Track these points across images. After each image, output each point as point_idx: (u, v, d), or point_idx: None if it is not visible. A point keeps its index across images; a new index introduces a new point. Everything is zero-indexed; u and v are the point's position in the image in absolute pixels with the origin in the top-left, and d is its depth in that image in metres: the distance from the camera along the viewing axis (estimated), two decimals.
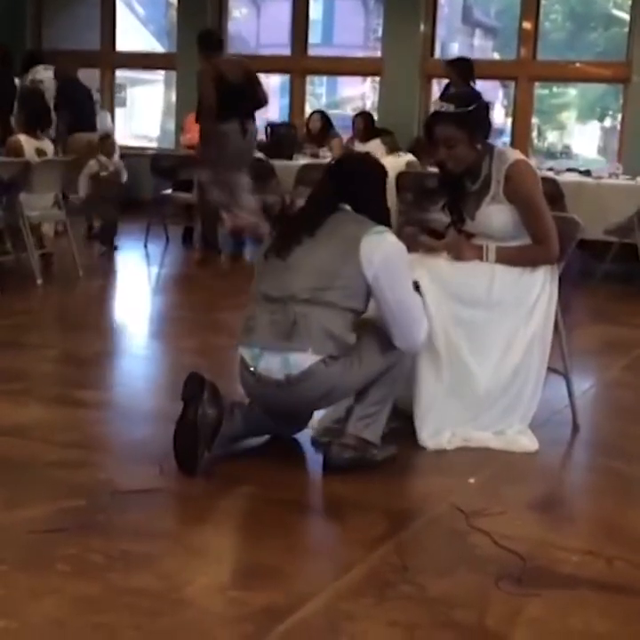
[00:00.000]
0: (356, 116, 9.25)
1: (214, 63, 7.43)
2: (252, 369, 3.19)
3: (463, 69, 8.33)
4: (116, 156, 9.08)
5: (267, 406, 3.33)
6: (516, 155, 3.68)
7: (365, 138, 8.70)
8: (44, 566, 2.48)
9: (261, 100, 7.62)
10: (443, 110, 3.57)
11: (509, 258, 3.63)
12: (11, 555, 2.56)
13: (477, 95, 3.71)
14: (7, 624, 2.20)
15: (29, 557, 2.55)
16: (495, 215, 3.62)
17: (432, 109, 3.66)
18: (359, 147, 8.69)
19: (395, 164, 7.95)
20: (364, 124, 8.87)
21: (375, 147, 8.42)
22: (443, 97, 3.65)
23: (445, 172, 3.72)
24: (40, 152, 6.63)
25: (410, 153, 8.28)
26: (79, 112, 8.80)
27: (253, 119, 7.63)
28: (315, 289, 3.14)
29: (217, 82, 7.28)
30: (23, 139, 6.58)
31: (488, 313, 3.56)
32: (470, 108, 3.56)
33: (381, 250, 3.16)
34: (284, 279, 3.20)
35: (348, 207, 3.28)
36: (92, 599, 2.33)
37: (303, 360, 3.10)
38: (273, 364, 3.14)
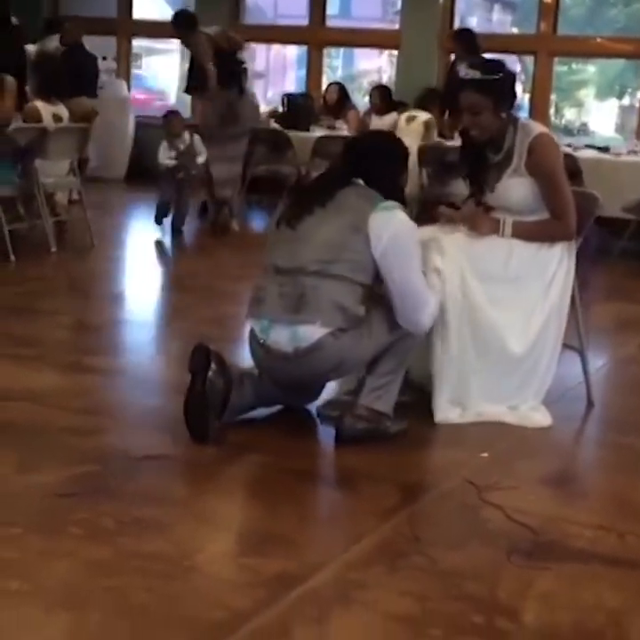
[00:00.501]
0: (373, 89, 9.18)
1: (207, 36, 7.56)
2: (261, 341, 3.18)
3: (467, 41, 8.26)
4: (186, 135, 7.66)
5: (276, 378, 3.32)
6: (540, 128, 3.64)
7: (382, 111, 8.64)
8: (56, 530, 2.49)
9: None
10: (469, 77, 3.54)
11: (526, 232, 3.60)
12: (24, 518, 2.57)
13: (503, 64, 3.67)
14: (20, 586, 2.21)
15: (42, 521, 2.56)
16: (515, 188, 3.59)
17: (460, 74, 3.60)
18: (376, 120, 8.64)
19: (413, 131, 7.90)
20: (381, 98, 8.80)
21: (392, 120, 8.38)
22: (470, 64, 3.60)
23: (468, 141, 3.69)
24: (57, 117, 6.62)
25: (422, 110, 8.18)
26: (81, 77, 8.75)
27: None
28: (323, 261, 3.13)
29: (216, 52, 7.51)
30: (40, 105, 6.56)
31: (505, 287, 3.53)
32: (497, 76, 3.53)
33: (391, 227, 3.15)
34: (294, 250, 3.19)
35: (361, 182, 3.26)
36: (103, 563, 2.34)
37: (312, 333, 3.09)
38: (282, 337, 3.13)
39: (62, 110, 6.77)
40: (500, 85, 3.54)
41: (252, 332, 3.24)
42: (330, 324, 3.09)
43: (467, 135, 3.68)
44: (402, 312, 3.21)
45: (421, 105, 8.28)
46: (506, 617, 2.22)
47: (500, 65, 3.63)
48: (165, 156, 7.44)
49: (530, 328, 3.55)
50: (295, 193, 3.43)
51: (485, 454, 3.22)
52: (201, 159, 7.66)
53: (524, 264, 3.58)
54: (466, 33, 8.56)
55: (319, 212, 3.20)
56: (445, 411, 3.47)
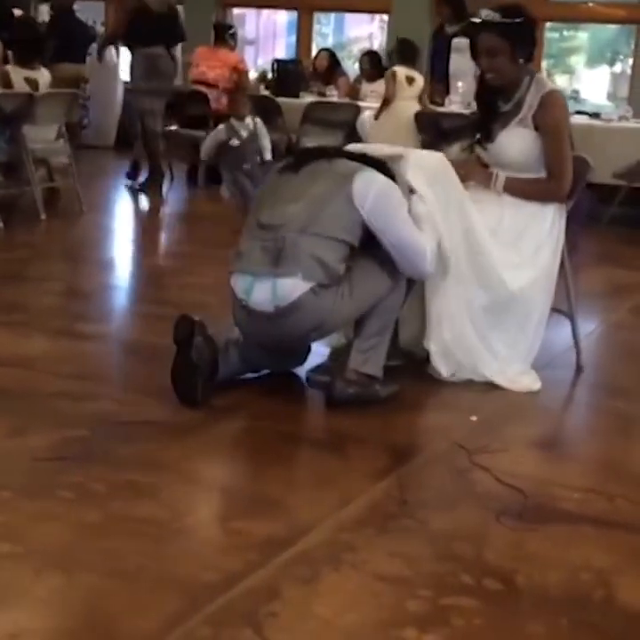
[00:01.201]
0: (363, 55, 9.11)
1: None
2: (243, 303, 3.18)
3: (456, 4, 8.19)
4: (249, 119, 6.70)
5: (260, 340, 3.31)
6: (555, 86, 3.65)
7: (372, 77, 8.58)
8: (46, 494, 2.49)
9: (179, 35, 8.22)
10: (488, 18, 3.52)
11: (519, 188, 3.60)
12: (14, 481, 2.57)
13: (524, 10, 3.64)
14: (11, 548, 2.21)
15: (32, 484, 2.56)
16: (516, 138, 3.58)
17: (479, 15, 3.59)
18: (365, 86, 8.58)
19: (414, 93, 7.85)
20: (371, 64, 8.74)
21: (381, 86, 8.31)
22: (491, 7, 3.59)
23: (483, 87, 3.70)
24: (30, 82, 6.55)
25: (413, 69, 8.11)
26: (69, 43, 8.67)
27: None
28: (306, 218, 3.13)
29: (140, 10, 7.84)
30: (11, 68, 6.55)
31: (497, 241, 3.53)
32: (517, 20, 3.52)
33: (374, 186, 3.17)
34: (278, 208, 3.21)
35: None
36: (94, 526, 2.34)
37: (292, 287, 3.08)
38: (263, 295, 3.12)
39: (40, 74, 6.68)
40: (518, 30, 3.53)
41: (234, 294, 3.23)
42: (310, 278, 3.08)
43: (482, 81, 3.69)
44: (402, 264, 3.24)
45: (405, 60, 8.16)
46: (495, 578, 2.23)
47: (520, 10, 3.60)
48: (212, 147, 6.37)
49: (521, 281, 3.55)
50: (287, 156, 3.47)
51: (475, 418, 3.23)
52: (267, 145, 6.72)
53: (515, 226, 3.57)
54: None
55: (304, 173, 3.23)
56: (439, 366, 3.48)
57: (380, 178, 3.21)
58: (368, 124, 7.80)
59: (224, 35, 8.63)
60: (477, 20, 3.59)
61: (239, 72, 8.52)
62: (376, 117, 7.77)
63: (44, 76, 6.74)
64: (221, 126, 6.09)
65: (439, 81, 8.28)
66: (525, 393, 3.51)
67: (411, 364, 3.57)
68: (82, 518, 2.37)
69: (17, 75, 6.52)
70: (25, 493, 2.49)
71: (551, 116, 3.58)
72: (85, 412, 3.08)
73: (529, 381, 3.57)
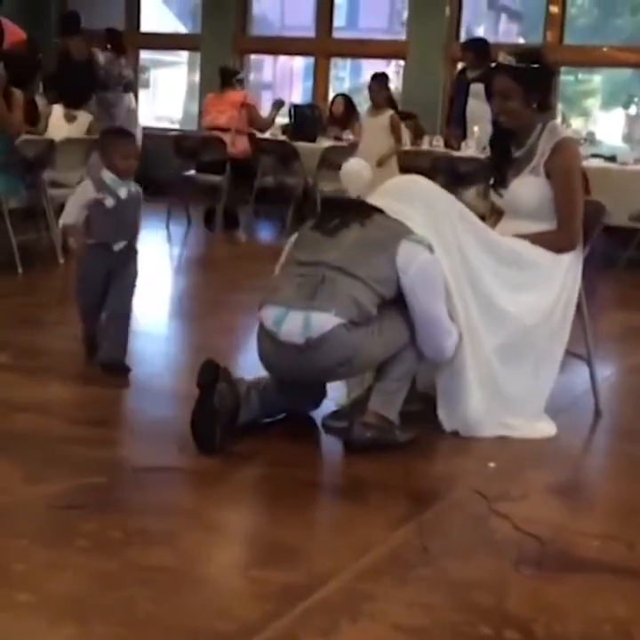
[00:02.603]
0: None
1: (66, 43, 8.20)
2: (272, 334, 3.18)
3: (480, 51, 8.26)
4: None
5: (285, 375, 3.31)
6: (567, 132, 3.69)
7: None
8: (62, 542, 2.48)
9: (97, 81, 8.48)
10: (504, 62, 3.57)
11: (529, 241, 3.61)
12: (30, 530, 2.57)
13: (542, 56, 3.67)
14: (28, 598, 2.20)
15: (48, 533, 2.56)
16: (528, 186, 3.60)
17: (497, 59, 3.65)
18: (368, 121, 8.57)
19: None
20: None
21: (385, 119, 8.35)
22: (509, 51, 3.64)
23: (497, 129, 3.74)
24: (69, 117, 7.37)
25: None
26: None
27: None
28: (347, 262, 3.20)
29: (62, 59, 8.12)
30: (56, 107, 7.32)
31: (522, 274, 3.54)
32: (532, 65, 3.55)
33: (419, 260, 3.22)
34: (321, 248, 3.28)
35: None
36: (110, 575, 2.33)
37: (325, 322, 3.09)
38: (295, 326, 3.12)
39: (82, 114, 7.50)
40: (533, 74, 3.56)
41: (261, 327, 3.24)
42: (343, 315, 3.10)
43: (496, 125, 3.73)
44: (422, 338, 3.29)
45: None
46: (514, 628, 2.20)
47: (539, 55, 3.63)
48: (78, 207, 4.02)
49: (533, 318, 3.54)
50: (332, 206, 3.54)
51: (493, 464, 3.21)
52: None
53: (539, 256, 3.58)
54: (478, 42, 8.58)
55: (354, 227, 3.29)
56: (456, 421, 3.46)
57: (426, 252, 3.25)
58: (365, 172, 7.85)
59: (231, 79, 8.72)
60: (497, 63, 3.64)
61: (247, 107, 8.59)
62: (380, 164, 7.86)
63: (84, 117, 7.46)
64: (86, 181, 4.10)
65: (457, 125, 8.33)
66: (543, 439, 3.49)
67: (428, 409, 3.55)
68: (97, 567, 2.36)
69: (57, 110, 7.26)
70: (41, 542, 2.49)
71: (562, 163, 3.59)
72: (102, 459, 3.08)
73: (544, 427, 3.55)
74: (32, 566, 2.35)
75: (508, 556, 2.54)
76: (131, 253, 4.07)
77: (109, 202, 3.94)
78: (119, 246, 3.99)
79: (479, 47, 8.32)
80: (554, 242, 3.61)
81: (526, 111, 3.58)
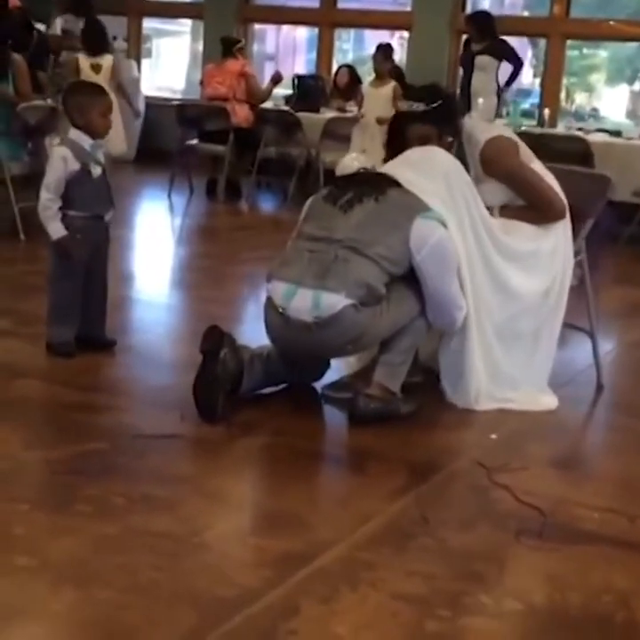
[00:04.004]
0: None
1: None
2: (280, 310, 3.16)
3: (483, 24, 8.23)
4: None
5: (291, 350, 3.31)
6: (484, 134, 3.59)
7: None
8: (64, 507, 2.48)
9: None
10: (412, 109, 3.52)
11: (516, 216, 3.58)
12: (31, 494, 2.57)
13: (440, 89, 3.65)
14: (28, 561, 2.20)
15: (50, 497, 2.56)
16: (486, 195, 3.53)
17: (398, 108, 3.61)
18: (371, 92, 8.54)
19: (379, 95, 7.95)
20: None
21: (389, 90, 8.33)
22: (405, 95, 3.61)
23: None
24: (95, 67, 8.16)
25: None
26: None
27: None
28: (359, 241, 3.17)
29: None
30: (80, 56, 8.25)
31: (511, 262, 3.51)
32: (439, 104, 3.51)
33: (433, 237, 3.19)
34: (334, 223, 3.24)
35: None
36: (112, 540, 2.33)
37: (334, 302, 3.08)
38: (304, 304, 3.11)
39: (103, 60, 8.29)
40: (442, 112, 3.52)
41: (269, 301, 3.22)
42: (353, 297, 3.09)
43: None
44: (434, 313, 3.29)
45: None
46: (515, 598, 2.21)
47: (437, 90, 3.61)
48: (60, 181, 3.63)
49: (533, 287, 3.53)
50: (347, 179, 3.50)
51: (494, 436, 3.22)
52: None
53: (527, 239, 3.56)
54: (482, 14, 8.55)
55: (368, 203, 3.25)
56: (459, 394, 3.45)
57: (440, 230, 3.22)
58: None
59: (231, 48, 8.66)
60: (404, 111, 3.57)
61: (246, 76, 8.54)
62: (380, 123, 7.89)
63: (107, 60, 8.32)
64: (62, 150, 3.62)
65: (461, 98, 8.29)
66: (545, 411, 3.49)
67: (430, 381, 3.55)
68: (99, 532, 2.36)
69: (85, 62, 8.23)
70: (42, 506, 2.49)
71: (499, 169, 3.56)
72: (103, 425, 3.08)
73: (546, 400, 3.55)
74: (33, 531, 2.35)
75: (508, 527, 2.54)
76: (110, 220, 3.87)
77: (96, 170, 3.67)
78: (110, 215, 3.83)
79: (483, 20, 8.29)
80: (542, 220, 3.58)
81: (445, 146, 3.53)
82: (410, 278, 3.25)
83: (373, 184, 3.34)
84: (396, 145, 3.58)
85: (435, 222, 3.23)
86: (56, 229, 3.66)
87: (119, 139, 8.15)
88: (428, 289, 3.25)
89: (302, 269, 3.17)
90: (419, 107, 3.52)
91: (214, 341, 3.16)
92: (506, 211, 3.58)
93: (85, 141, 3.64)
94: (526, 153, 3.63)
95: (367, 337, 3.21)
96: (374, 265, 3.15)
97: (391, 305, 3.20)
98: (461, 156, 3.56)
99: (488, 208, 3.52)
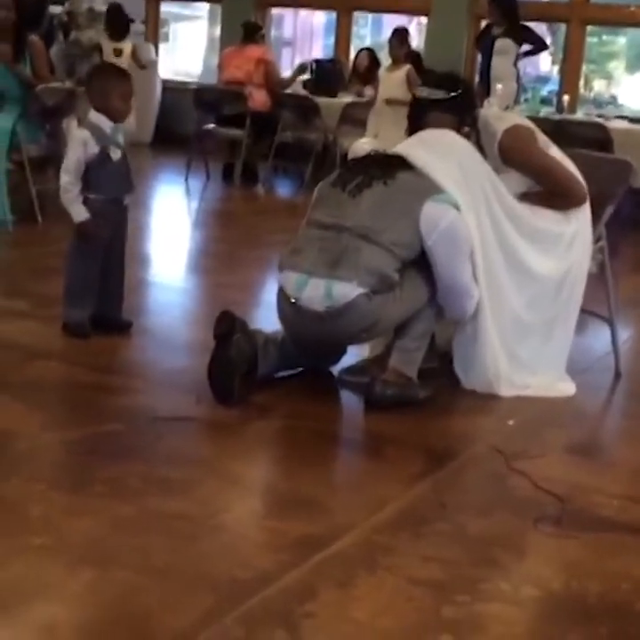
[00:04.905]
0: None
1: None
2: (293, 300, 3.15)
3: (507, 7, 8.17)
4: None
5: (304, 340, 3.30)
6: (502, 124, 3.55)
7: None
8: (81, 487, 2.48)
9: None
10: (434, 97, 3.48)
11: (535, 202, 3.55)
12: (49, 474, 2.57)
13: (459, 77, 3.61)
14: (45, 541, 2.20)
15: (67, 478, 2.56)
16: (509, 184, 3.50)
17: (418, 94, 3.57)
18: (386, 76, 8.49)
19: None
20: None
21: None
22: (424, 82, 3.56)
23: None
24: (117, 51, 8.62)
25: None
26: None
27: None
28: (370, 229, 3.14)
29: None
30: (103, 41, 8.75)
31: (531, 243, 3.48)
32: (458, 92, 3.48)
33: (444, 220, 3.16)
34: (343, 210, 3.21)
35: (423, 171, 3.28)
36: (129, 521, 2.33)
37: (346, 292, 3.06)
38: (316, 294, 3.09)
39: (124, 45, 8.80)
40: (460, 101, 3.49)
41: (281, 291, 3.21)
42: (365, 285, 3.07)
43: None
44: (444, 300, 3.26)
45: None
46: (533, 585, 2.19)
47: (457, 79, 3.57)
48: (80, 164, 3.63)
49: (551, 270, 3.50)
50: (357, 162, 3.45)
51: (512, 422, 3.20)
52: None
53: (547, 219, 3.53)
54: (504, 1, 8.47)
55: (377, 187, 3.22)
56: (477, 379, 3.43)
57: (452, 213, 3.18)
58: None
59: (254, 35, 8.64)
60: (422, 98, 3.53)
61: (265, 63, 8.51)
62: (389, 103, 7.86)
63: (128, 45, 8.83)
64: (82, 132, 3.62)
65: (480, 82, 8.24)
66: (563, 398, 3.47)
67: (446, 366, 3.53)
68: (116, 513, 2.36)
69: (107, 46, 8.73)
70: (59, 487, 2.49)
71: (518, 158, 3.53)
72: (120, 407, 3.07)
73: (564, 387, 3.53)
74: (49, 511, 2.35)
75: (526, 514, 2.53)
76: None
77: (116, 154, 3.67)
78: (129, 199, 3.83)
79: (507, 3, 8.23)
80: (562, 205, 3.55)
81: (463, 135, 3.49)
82: (422, 263, 3.22)
83: (383, 167, 3.31)
84: (413, 131, 3.55)
85: (446, 205, 3.19)
86: (78, 212, 3.64)
87: (130, 117, 8.19)
88: (439, 274, 3.21)
89: (313, 259, 3.15)
90: (437, 94, 3.49)
91: (227, 325, 3.15)
92: (525, 198, 3.55)
93: (106, 124, 3.63)
94: (543, 140, 3.60)
95: (381, 324, 3.20)
96: (386, 252, 3.13)
97: (404, 291, 3.17)
98: (477, 147, 3.53)
99: None
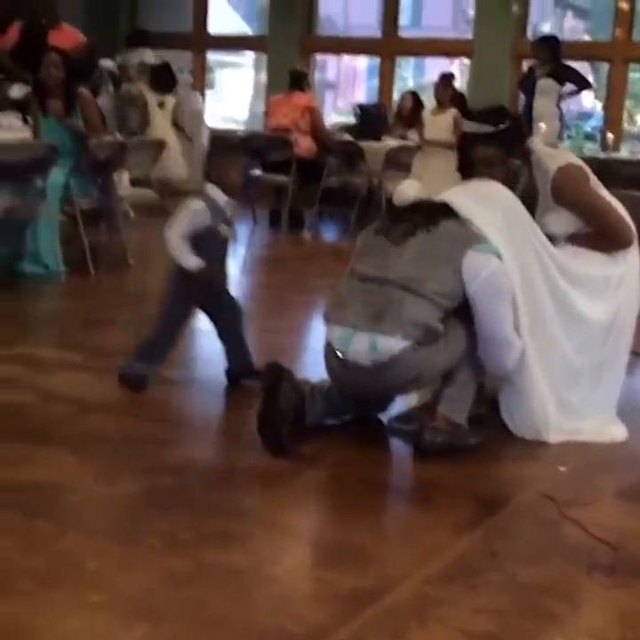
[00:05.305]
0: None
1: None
2: (339, 354, 3.18)
3: (554, 47, 8.26)
4: None
5: (352, 391, 3.32)
6: (555, 162, 3.56)
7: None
8: (135, 541, 2.51)
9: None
10: (481, 131, 3.49)
11: (582, 245, 3.55)
12: (103, 527, 2.61)
13: (506, 110, 3.63)
14: (99, 596, 2.23)
15: (121, 531, 2.59)
16: (554, 224, 3.52)
17: (465, 129, 3.60)
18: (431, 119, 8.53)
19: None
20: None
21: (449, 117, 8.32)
22: (471, 116, 3.58)
23: None
24: (160, 105, 8.78)
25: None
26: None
27: None
28: (413, 279, 3.16)
29: None
30: (149, 94, 8.85)
31: (578, 288, 3.48)
32: (506, 125, 3.49)
33: (486, 270, 3.16)
34: (386, 262, 3.23)
35: (467, 218, 3.30)
36: (181, 574, 2.35)
37: (391, 345, 3.09)
38: (361, 348, 3.12)
39: (168, 99, 8.96)
40: (509, 134, 3.50)
41: (329, 344, 3.24)
42: (409, 338, 3.09)
43: None
44: (484, 351, 3.25)
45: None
46: (587, 636, 2.18)
47: (504, 112, 3.59)
48: (188, 230, 3.66)
49: (590, 336, 3.49)
50: (401, 210, 3.44)
51: (564, 468, 3.18)
52: None
53: (593, 265, 3.53)
54: (551, 39, 8.59)
55: (421, 235, 3.24)
56: (526, 426, 3.42)
57: (494, 262, 3.19)
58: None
59: (300, 82, 8.77)
60: (470, 132, 3.54)
61: (310, 111, 8.62)
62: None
63: (170, 100, 8.96)
64: (200, 203, 3.64)
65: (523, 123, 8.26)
66: (614, 442, 3.44)
67: (496, 412, 3.53)
68: (169, 566, 2.39)
69: (152, 99, 8.88)
70: (114, 540, 2.52)
71: (569, 197, 3.53)
72: (172, 458, 3.11)
73: (614, 431, 3.51)
74: (104, 564, 2.39)
75: (579, 562, 2.51)
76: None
77: (225, 229, 3.70)
78: (221, 287, 3.82)
79: (553, 43, 8.34)
80: (609, 247, 3.55)
81: (512, 169, 3.51)
82: (466, 311, 3.23)
83: (426, 214, 3.32)
84: (462, 167, 3.57)
85: (488, 254, 3.20)
86: (192, 261, 3.60)
87: (179, 166, 8.61)
88: (479, 324, 3.21)
89: (357, 312, 3.18)
90: (487, 128, 3.50)
91: (275, 376, 3.19)
92: (573, 239, 3.56)
93: (220, 198, 3.67)
94: (594, 180, 3.61)
95: (427, 375, 3.22)
96: (429, 303, 3.14)
97: (449, 340, 3.18)
98: (530, 181, 3.55)
99: (554, 237, 3.51)
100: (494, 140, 3.48)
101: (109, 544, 2.50)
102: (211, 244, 3.66)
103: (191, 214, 3.61)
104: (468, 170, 3.55)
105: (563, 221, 3.55)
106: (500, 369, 3.32)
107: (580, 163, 3.65)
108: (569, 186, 3.53)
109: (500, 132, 3.48)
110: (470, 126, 3.55)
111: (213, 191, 3.66)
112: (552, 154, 3.77)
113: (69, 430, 3.33)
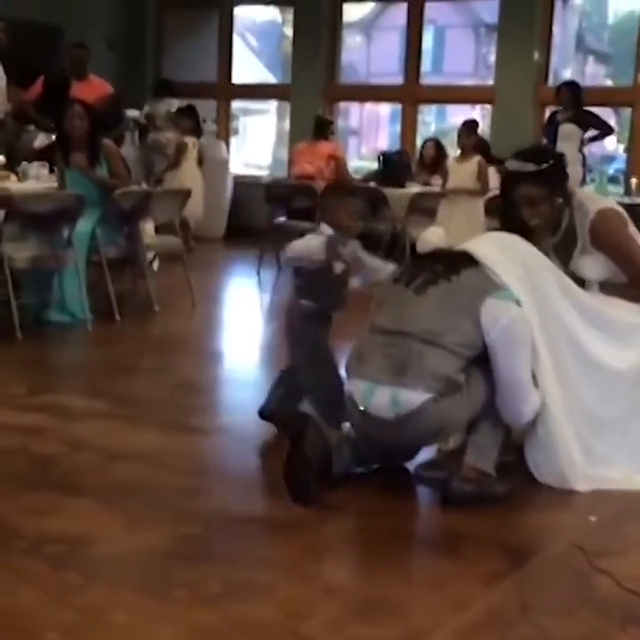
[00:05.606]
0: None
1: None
2: (361, 408, 3.19)
3: (576, 92, 8.36)
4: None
5: (376, 444, 3.32)
6: (596, 205, 3.58)
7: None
8: (163, 593, 2.51)
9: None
10: (524, 170, 3.51)
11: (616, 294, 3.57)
12: (131, 580, 2.60)
13: (550, 149, 3.66)
14: None
15: (148, 583, 2.59)
16: (588, 267, 3.55)
17: (508, 168, 3.62)
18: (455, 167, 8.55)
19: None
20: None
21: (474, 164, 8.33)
22: (518, 157, 3.60)
23: (524, 230, 3.55)
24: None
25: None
26: None
27: None
28: (432, 332, 3.16)
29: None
30: (189, 140, 9.36)
31: (605, 334, 3.48)
32: (550, 163, 3.51)
33: (504, 318, 3.16)
34: (405, 313, 3.24)
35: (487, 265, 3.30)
36: (210, 628, 2.34)
37: (412, 399, 3.09)
38: (383, 401, 3.13)
39: (194, 142, 9.46)
40: (553, 172, 3.52)
41: (350, 398, 3.24)
42: (432, 390, 3.09)
43: (523, 226, 3.55)
44: (502, 400, 3.23)
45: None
46: None
47: (547, 150, 3.62)
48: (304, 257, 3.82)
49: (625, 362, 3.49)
50: (423, 258, 3.46)
51: (594, 518, 3.14)
52: None
53: (624, 314, 3.54)
54: (573, 85, 8.67)
55: (442, 284, 3.25)
56: (554, 475, 3.39)
57: (513, 310, 3.19)
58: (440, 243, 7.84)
59: (325, 130, 8.83)
60: (513, 171, 3.55)
61: (335, 159, 8.68)
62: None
63: (197, 143, 9.53)
64: (321, 238, 3.74)
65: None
66: None
67: (523, 460, 3.50)
68: (197, 620, 2.38)
69: (192, 144, 9.38)
70: (142, 593, 2.51)
71: (606, 239, 3.54)
72: (199, 508, 3.11)
73: None
74: (132, 618, 2.38)
75: (612, 615, 2.48)
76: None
77: (339, 267, 3.73)
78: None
79: (574, 89, 8.42)
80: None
81: (556, 207, 3.53)
82: (486, 360, 3.22)
83: (447, 263, 3.33)
84: (505, 207, 3.57)
85: (507, 302, 3.20)
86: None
87: (196, 204, 8.83)
88: (497, 371, 3.20)
89: (378, 366, 3.18)
90: (529, 167, 3.50)
91: (301, 425, 3.19)
92: (606, 288, 3.56)
93: (335, 236, 3.76)
94: (633, 228, 3.62)
95: (450, 425, 3.22)
96: (450, 354, 3.14)
97: (471, 389, 3.17)
98: (570, 223, 3.56)
99: (587, 281, 3.51)
100: (538, 178, 3.49)
101: (136, 596, 2.49)
102: (322, 282, 3.72)
103: (310, 245, 3.74)
104: (511, 209, 3.56)
105: (598, 266, 3.56)
106: (517, 419, 3.30)
107: (621, 209, 3.67)
108: (607, 228, 3.55)
109: (544, 170, 3.49)
110: (513, 165, 3.56)
111: (328, 231, 3.77)
112: (594, 197, 3.79)
113: (97, 480, 3.33)
